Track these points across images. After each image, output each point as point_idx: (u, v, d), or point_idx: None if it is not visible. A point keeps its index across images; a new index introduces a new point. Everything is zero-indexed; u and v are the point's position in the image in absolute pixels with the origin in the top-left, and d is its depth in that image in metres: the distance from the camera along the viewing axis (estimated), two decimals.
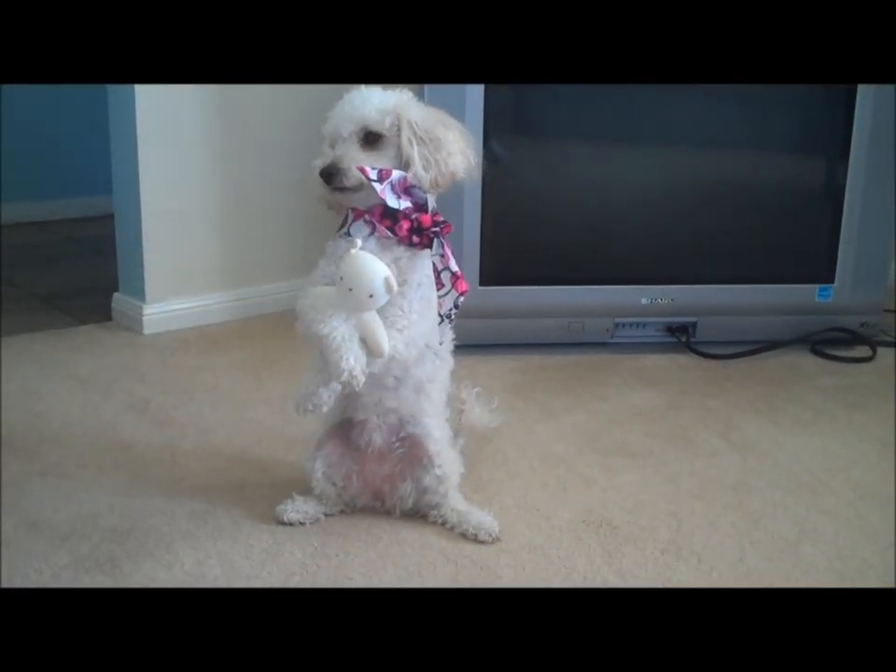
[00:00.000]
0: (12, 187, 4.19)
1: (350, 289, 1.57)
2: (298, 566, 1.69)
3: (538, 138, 2.76)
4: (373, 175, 1.64)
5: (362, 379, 1.59)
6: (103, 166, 3.07)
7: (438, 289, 1.70)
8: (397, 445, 1.82)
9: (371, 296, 1.58)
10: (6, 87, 4.00)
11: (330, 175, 1.67)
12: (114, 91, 2.82)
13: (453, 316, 1.73)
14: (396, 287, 1.59)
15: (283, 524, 1.81)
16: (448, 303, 1.71)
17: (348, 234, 1.71)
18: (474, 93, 2.49)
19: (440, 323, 1.72)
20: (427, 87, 2.46)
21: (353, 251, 1.58)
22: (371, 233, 1.69)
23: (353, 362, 1.57)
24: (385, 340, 1.61)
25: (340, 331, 1.58)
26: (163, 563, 1.69)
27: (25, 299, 3.22)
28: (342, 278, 1.58)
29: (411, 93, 1.75)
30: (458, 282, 1.70)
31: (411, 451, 1.82)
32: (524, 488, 1.99)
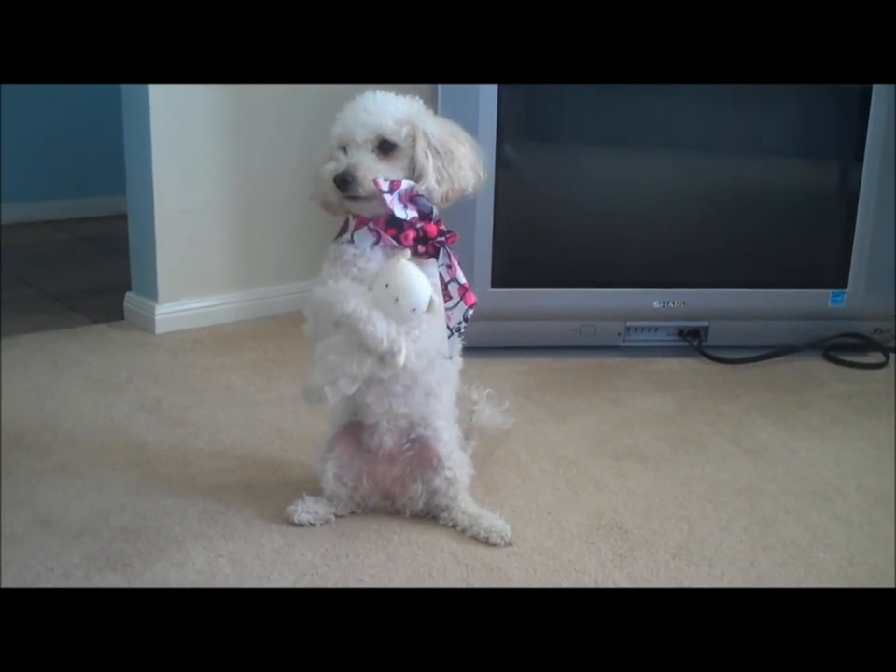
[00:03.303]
0: (25, 185, 4.21)
1: (396, 299, 1.58)
2: (308, 566, 1.69)
3: (550, 141, 2.76)
4: (385, 186, 1.63)
5: (403, 343, 1.60)
6: (116, 165, 3.08)
7: (445, 301, 1.69)
8: (407, 447, 1.82)
9: (414, 310, 1.59)
10: (21, 85, 4.02)
11: (346, 182, 1.64)
12: (128, 91, 2.83)
13: (462, 330, 1.72)
14: (439, 309, 1.62)
15: (293, 524, 1.81)
16: (457, 316, 1.70)
17: (351, 241, 1.69)
18: (488, 97, 2.49)
19: (449, 336, 1.71)
20: (440, 89, 2.47)
21: (404, 261, 1.58)
22: (377, 242, 1.68)
23: (388, 328, 1.59)
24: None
25: (365, 305, 1.59)
26: (174, 562, 1.70)
27: (38, 297, 3.23)
28: (387, 285, 1.58)
29: (422, 101, 1.73)
30: (467, 294, 1.69)
31: (420, 453, 1.82)
32: (534, 491, 1.99)
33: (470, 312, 1.71)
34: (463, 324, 1.72)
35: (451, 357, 1.76)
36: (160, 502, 1.89)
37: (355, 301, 1.59)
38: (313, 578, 1.66)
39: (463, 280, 1.70)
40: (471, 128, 2.41)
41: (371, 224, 1.68)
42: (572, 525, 1.86)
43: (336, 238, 1.73)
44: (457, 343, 1.76)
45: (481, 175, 1.72)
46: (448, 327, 1.70)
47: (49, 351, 2.69)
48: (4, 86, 3.97)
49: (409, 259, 1.60)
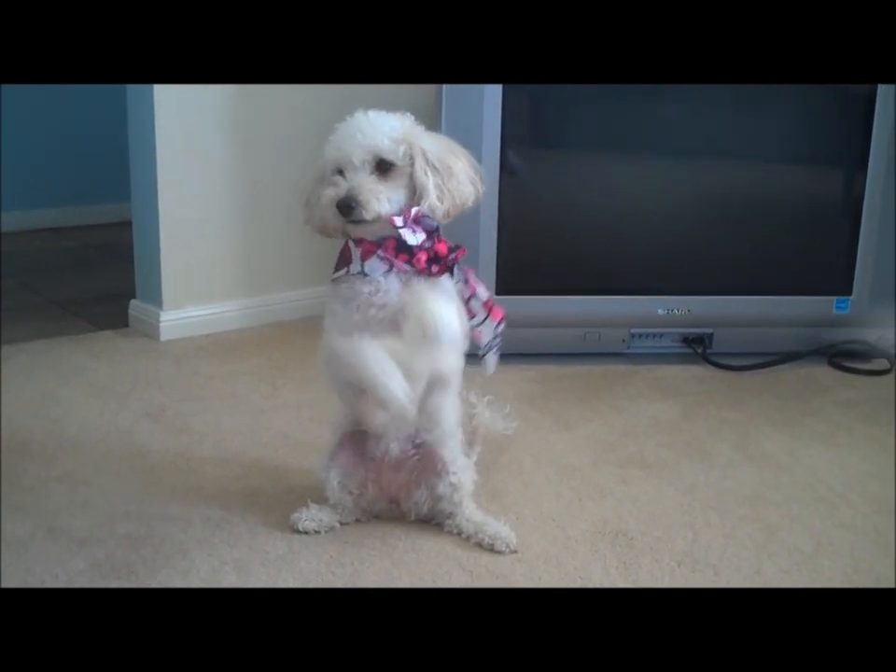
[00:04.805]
0: (29, 193, 4.22)
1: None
2: (313, 574, 1.69)
3: (554, 148, 2.76)
4: (399, 221, 1.62)
5: (410, 408, 1.61)
6: (121, 173, 3.09)
7: (469, 318, 1.68)
8: (412, 452, 1.82)
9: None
10: (26, 92, 4.03)
11: (350, 208, 1.61)
12: (133, 97, 2.84)
13: (495, 347, 1.71)
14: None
15: (298, 532, 1.81)
16: (487, 333, 1.70)
17: (362, 273, 1.67)
18: (492, 101, 2.50)
19: (482, 356, 1.71)
20: (445, 93, 2.48)
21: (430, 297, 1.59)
22: (389, 270, 1.66)
23: (398, 392, 1.58)
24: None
25: (382, 371, 1.58)
26: (179, 569, 1.70)
27: (43, 304, 3.24)
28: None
29: (413, 118, 1.70)
30: (494, 309, 1.68)
31: (425, 458, 1.82)
32: (539, 498, 1.98)
33: (501, 327, 1.70)
34: (497, 340, 1.71)
35: (489, 375, 1.77)
36: (164, 510, 1.89)
37: (373, 365, 1.58)
38: (318, 585, 1.66)
39: (485, 296, 1.69)
40: (476, 133, 2.45)
41: (380, 252, 1.66)
42: (577, 532, 1.85)
43: (336, 270, 1.70)
44: (494, 359, 1.75)
45: (479, 188, 1.71)
46: (480, 346, 1.69)
47: (53, 358, 2.70)
48: (9, 94, 3.98)
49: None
